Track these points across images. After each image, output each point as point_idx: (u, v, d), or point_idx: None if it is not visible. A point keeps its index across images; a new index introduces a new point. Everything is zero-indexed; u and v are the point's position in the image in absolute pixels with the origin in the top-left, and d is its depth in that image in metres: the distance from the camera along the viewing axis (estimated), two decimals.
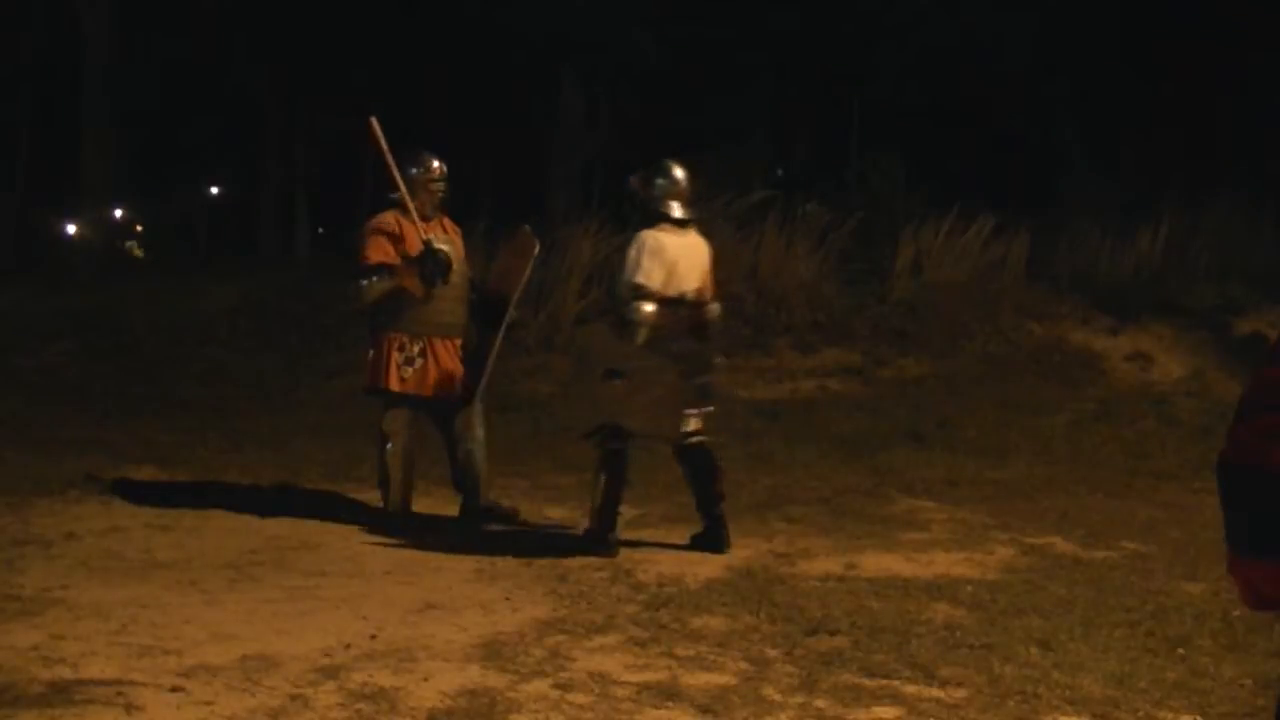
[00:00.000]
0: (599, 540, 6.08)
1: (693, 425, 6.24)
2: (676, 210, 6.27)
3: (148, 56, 21.85)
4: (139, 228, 32.74)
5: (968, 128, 18.95)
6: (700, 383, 6.23)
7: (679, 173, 6.33)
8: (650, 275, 6.09)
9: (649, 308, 6.07)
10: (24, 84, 24.25)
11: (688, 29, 18.12)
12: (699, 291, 6.27)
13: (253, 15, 21.90)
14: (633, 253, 6.15)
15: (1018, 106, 18.72)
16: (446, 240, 6.73)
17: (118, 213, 25.09)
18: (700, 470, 6.32)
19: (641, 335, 6.07)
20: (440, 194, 6.78)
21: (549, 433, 9.28)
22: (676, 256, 6.18)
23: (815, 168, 18.05)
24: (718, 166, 14.48)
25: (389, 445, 6.65)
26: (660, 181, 6.29)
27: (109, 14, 18.58)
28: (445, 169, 6.81)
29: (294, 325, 11.77)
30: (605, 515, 6.12)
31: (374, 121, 6.65)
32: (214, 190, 32.76)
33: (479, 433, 6.79)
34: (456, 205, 7.09)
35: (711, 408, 6.38)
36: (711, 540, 6.22)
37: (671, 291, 6.14)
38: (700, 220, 6.53)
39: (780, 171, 17.77)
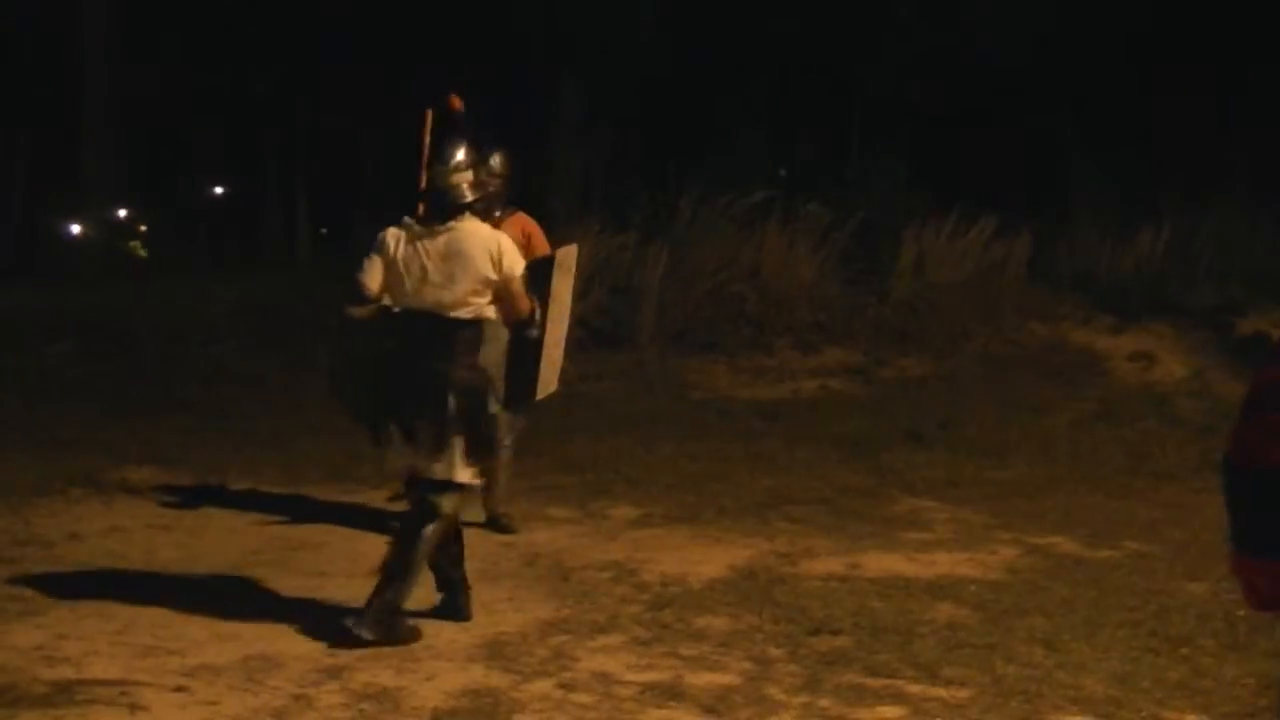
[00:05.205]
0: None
1: (446, 473, 4.83)
2: (443, 200, 4.87)
3: (149, 56, 21.84)
4: (142, 228, 32.68)
5: (968, 128, 18.92)
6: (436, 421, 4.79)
7: (460, 155, 4.92)
8: (366, 277, 4.83)
9: (357, 311, 4.88)
10: (24, 84, 24.22)
11: (689, 29, 18.11)
12: (446, 305, 4.77)
13: (253, 15, 21.90)
14: None
15: (1018, 107, 18.70)
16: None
17: (121, 213, 25.04)
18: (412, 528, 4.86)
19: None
20: (496, 190, 5.96)
21: (549, 433, 9.28)
22: (410, 259, 4.78)
23: (816, 168, 18.02)
24: (718, 166, 14.49)
25: None
26: (436, 167, 4.95)
27: (109, 13, 18.56)
28: (505, 164, 6.25)
29: (295, 325, 11.74)
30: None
31: (429, 114, 5.71)
32: (217, 190, 32.72)
33: (505, 440, 6.63)
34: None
35: (485, 458, 5.00)
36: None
37: (397, 303, 4.85)
38: (480, 210, 5.01)
39: (781, 171, 17.74)
